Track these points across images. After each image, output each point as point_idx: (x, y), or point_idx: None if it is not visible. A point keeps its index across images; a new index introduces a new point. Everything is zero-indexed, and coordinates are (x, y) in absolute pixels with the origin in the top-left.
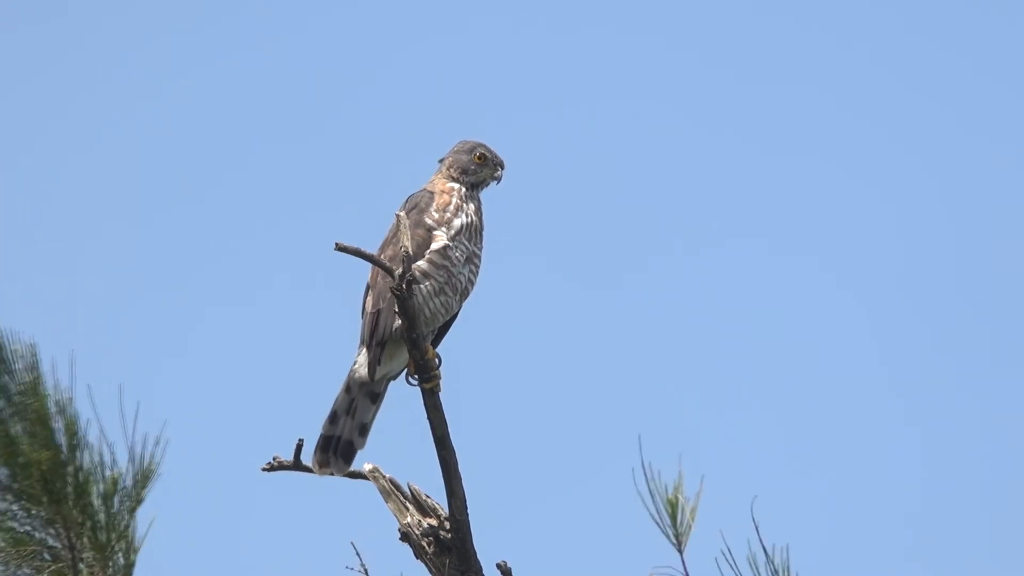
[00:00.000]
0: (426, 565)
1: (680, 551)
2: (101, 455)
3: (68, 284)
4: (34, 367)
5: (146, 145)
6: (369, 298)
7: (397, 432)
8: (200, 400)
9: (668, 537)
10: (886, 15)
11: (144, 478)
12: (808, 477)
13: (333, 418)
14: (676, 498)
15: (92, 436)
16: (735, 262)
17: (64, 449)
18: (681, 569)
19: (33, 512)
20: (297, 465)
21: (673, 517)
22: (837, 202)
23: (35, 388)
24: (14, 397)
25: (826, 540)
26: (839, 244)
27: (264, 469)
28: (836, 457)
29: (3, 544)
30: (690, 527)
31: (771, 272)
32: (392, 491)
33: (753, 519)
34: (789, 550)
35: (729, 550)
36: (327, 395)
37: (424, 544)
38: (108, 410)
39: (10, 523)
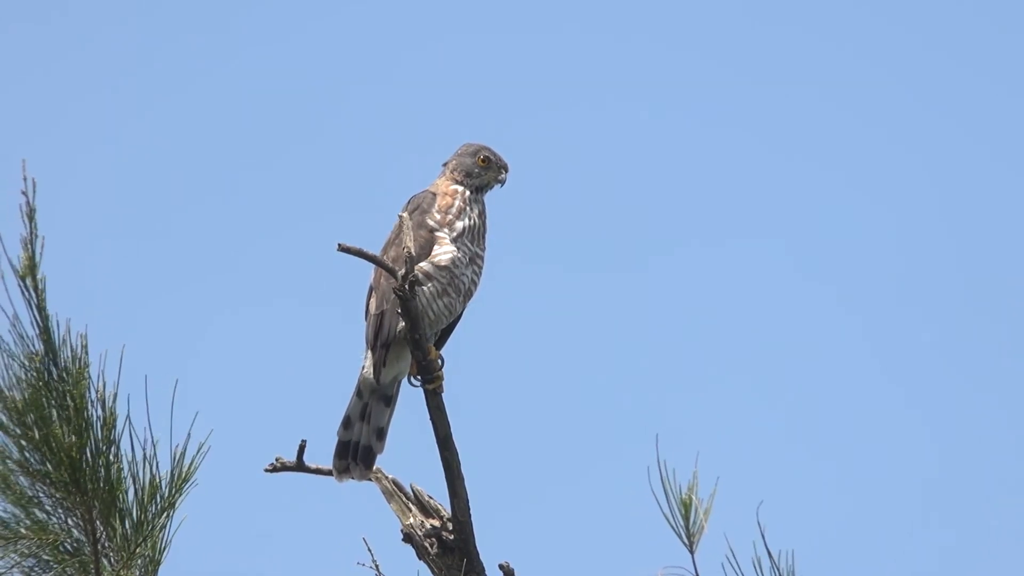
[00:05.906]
0: (429, 566)
1: (692, 552)
2: (144, 452)
3: (67, 287)
4: (82, 357)
5: (144, 150)
6: (373, 300)
7: (400, 433)
8: (200, 401)
9: (680, 537)
10: (882, 18)
11: (181, 483)
12: (824, 478)
13: (347, 423)
14: (690, 499)
15: (136, 435)
16: (740, 260)
17: (100, 441)
18: (692, 570)
19: (58, 498)
20: (300, 466)
21: (686, 518)
22: (838, 203)
23: (79, 377)
24: (55, 383)
25: (842, 542)
26: (841, 245)
27: (267, 470)
28: (850, 458)
29: (27, 531)
30: (703, 528)
31: (776, 272)
32: (395, 492)
33: (759, 524)
34: (795, 555)
35: (734, 555)
36: (329, 397)
37: (427, 545)
38: (138, 410)
39: (36, 509)
